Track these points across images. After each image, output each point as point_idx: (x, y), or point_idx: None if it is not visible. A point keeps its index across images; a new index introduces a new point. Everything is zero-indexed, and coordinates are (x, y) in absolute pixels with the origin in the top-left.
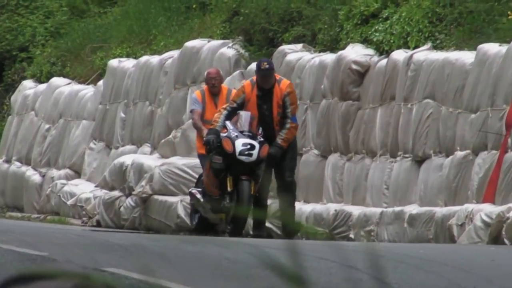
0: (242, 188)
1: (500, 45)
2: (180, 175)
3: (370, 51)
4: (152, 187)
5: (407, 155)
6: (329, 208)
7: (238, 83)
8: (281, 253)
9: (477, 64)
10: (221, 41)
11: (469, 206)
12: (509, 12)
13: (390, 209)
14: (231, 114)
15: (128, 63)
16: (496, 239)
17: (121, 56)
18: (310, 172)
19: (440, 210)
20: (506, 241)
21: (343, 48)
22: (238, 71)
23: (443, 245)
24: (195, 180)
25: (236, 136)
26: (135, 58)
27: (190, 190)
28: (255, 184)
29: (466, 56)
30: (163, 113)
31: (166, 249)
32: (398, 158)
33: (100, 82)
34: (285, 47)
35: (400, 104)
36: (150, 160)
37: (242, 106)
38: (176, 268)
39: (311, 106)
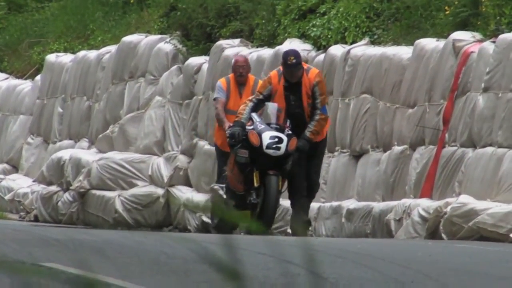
0: (269, 184)
1: (437, 40)
2: (117, 169)
3: (308, 46)
4: (90, 182)
5: (344, 150)
6: None
7: (175, 78)
8: (219, 248)
9: (415, 59)
10: (158, 36)
11: (407, 201)
12: (446, 7)
13: (328, 204)
14: (257, 106)
15: (66, 58)
16: (433, 234)
17: (59, 51)
18: None
19: (377, 205)
20: (443, 235)
21: (281, 43)
22: (175, 66)
23: (380, 240)
24: (132, 175)
25: (263, 128)
26: (73, 53)
27: (212, 186)
28: (283, 179)
29: (404, 51)
30: (101, 108)
31: (104, 244)
32: (335, 153)
33: (38, 77)
34: (222, 42)
35: (337, 99)
36: (87, 155)
37: (269, 98)
38: (114, 263)
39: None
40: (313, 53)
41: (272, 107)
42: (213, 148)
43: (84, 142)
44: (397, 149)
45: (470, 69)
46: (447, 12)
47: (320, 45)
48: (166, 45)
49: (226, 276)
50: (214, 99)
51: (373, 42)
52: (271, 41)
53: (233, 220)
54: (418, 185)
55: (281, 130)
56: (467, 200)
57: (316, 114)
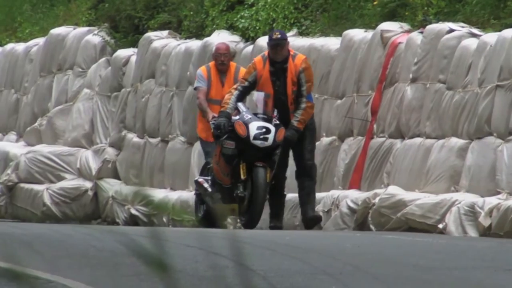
0: (257, 176)
1: (365, 31)
2: (46, 163)
3: (236, 38)
4: (18, 175)
5: None
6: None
7: (104, 71)
8: (147, 241)
9: (343, 50)
10: (86, 28)
11: (335, 193)
12: None
13: None
14: (243, 94)
15: None
16: (362, 225)
17: None
18: (176, 159)
19: None
20: (371, 227)
21: (209, 35)
22: (104, 58)
23: (309, 231)
24: (61, 168)
25: (250, 118)
26: (0, 45)
27: (196, 178)
28: (271, 171)
29: (332, 42)
30: (29, 101)
31: (33, 238)
32: None
33: None
34: (150, 34)
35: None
36: (15, 148)
37: (254, 84)
38: (42, 256)
39: (177, 93)
40: (242, 45)
41: (258, 95)
42: (141, 141)
43: (12, 135)
44: (325, 140)
45: (398, 59)
46: (375, 3)
47: (249, 37)
48: (94, 37)
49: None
50: (195, 89)
51: (301, 33)
52: (199, 32)
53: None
54: (346, 177)
55: (268, 120)
56: (395, 191)
57: (302, 102)
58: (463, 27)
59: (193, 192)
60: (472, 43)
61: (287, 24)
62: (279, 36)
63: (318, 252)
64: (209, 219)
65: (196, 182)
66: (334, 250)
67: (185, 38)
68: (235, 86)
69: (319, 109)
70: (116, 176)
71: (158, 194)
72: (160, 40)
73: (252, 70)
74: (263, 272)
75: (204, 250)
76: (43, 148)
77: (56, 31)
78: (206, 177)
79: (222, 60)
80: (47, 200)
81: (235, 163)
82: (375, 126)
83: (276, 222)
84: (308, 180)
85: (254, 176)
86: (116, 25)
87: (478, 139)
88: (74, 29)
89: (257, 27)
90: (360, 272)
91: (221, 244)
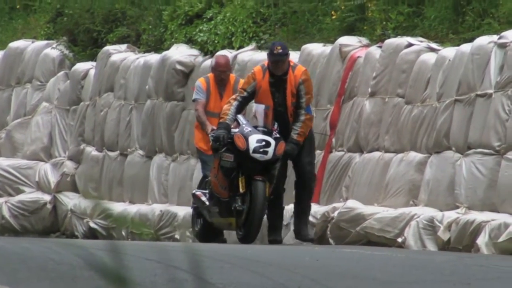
0: (256, 190)
1: (324, 45)
2: (4, 176)
3: (195, 52)
4: None
5: None
6: (155, 208)
7: (62, 84)
8: (106, 254)
9: (302, 64)
10: (45, 42)
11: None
12: (332, 12)
13: None
14: (242, 105)
15: None
16: (321, 239)
17: None
18: (135, 172)
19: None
20: (330, 240)
21: (168, 49)
22: (62, 72)
23: (268, 245)
24: (19, 181)
25: (250, 131)
26: None
27: (193, 192)
28: (270, 185)
29: (290, 57)
30: None
31: None
32: None
33: None
34: (109, 48)
35: None
36: None
37: (253, 95)
38: (1, 269)
39: (136, 107)
40: (200, 58)
41: (259, 108)
42: (100, 154)
43: None
44: None
45: (357, 74)
46: (333, 17)
47: (207, 50)
48: (53, 50)
49: (113, 282)
50: (194, 100)
51: (260, 47)
52: (158, 46)
53: (117, 223)
54: None
55: (268, 133)
56: (354, 205)
57: (301, 115)
58: (421, 41)
59: (190, 206)
60: (430, 57)
61: (246, 38)
62: (280, 51)
63: (277, 265)
64: (206, 233)
65: (194, 195)
66: (293, 264)
67: (144, 52)
68: (234, 97)
69: None
70: (75, 189)
71: (117, 207)
72: (119, 53)
73: (251, 81)
74: (222, 285)
75: (163, 264)
76: (2, 161)
77: (15, 44)
78: (204, 191)
79: (222, 77)
80: (5, 213)
81: (233, 176)
82: (333, 140)
83: (275, 235)
84: (305, 193)
85: (253, 190)
86: (75, 39)
87: (436, 153)
88: (33, 42)
89: (216, 41)
90: (318, 286)
91: (180, 257)
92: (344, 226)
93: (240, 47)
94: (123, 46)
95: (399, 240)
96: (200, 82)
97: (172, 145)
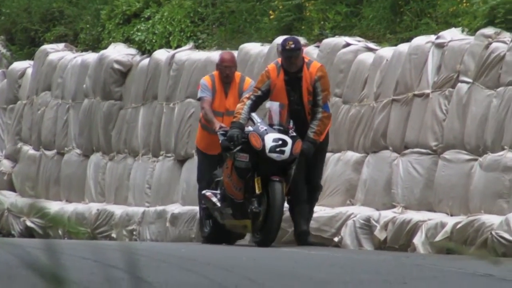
0: (274, 191)
1: (262, 45)
2: None
3: (132, 51)
4: None
5: (169, 155)
6: (91, 207)
7: None
8: (43, 253)
9: (239, 64)
10: None
11: None
12: (270, 12)
13: (152, 209)
14: (256, 104)
15: None
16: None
17: None
18: (72, 171)
19: None
20: None
21: (105, 48)
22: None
23: (205, 244)
24: None
25: (265, 130)
26: None
27: (203, 192)
28: (287, 185)
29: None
30: None
31: None
32: (160, 158)
33: None
34: (47, 47)
35: (162, 103)
36: None
37: (268, 93)
38: None
39: (73, 106)
40: (138, 58)
41: (273, 106)
42: (37, 153)
43: None
44: None
45: None
46: (271, 17)
47: (145, 50)
48: None
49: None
50: (199, 99)
51: (197, 47)
52: (96, 45)
53: (54, 222)
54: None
55: (284, 131)
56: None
57: (318, 113)
58: (359, 41)
59: (198, 207)
60: (368, 57)
61: (184, 38)
62: (292, 46)
63: (214, 265)
64: (216, 235)
65: (203, 196)
66: (230, 263)
67: (82, 51)
68: (247, 95)
69: None
70: (11, 188)
71: (54, 206)
72: (56, 52)
73: (266, 79)
74: (159, 284)
75: (99, 263)
76: None
77: None
78: (215, 191)
79: (227, 73)
80: None
81: (248, 177)
82: None
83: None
84: (312, 200)
85: (271, 191)
86: (12, 38)
87: (374, 153)
88: None
89: (154, 40)
90: (255, 285)
91: (117, 256)
92: (282, 225)
93: (178, 46)
94: (61, 45)
95: (336, 239)
96: (205, 80)
97: (109, 144)
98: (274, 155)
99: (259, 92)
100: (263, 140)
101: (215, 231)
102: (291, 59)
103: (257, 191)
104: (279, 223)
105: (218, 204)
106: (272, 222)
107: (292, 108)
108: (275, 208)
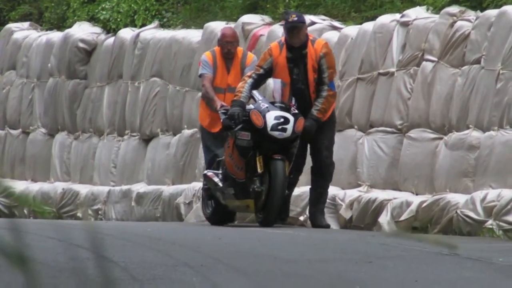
0: (276, 169)
1: (227, 24)
2: None
3: (97, 30)
4: None
5: (134, 134)
6: (57, 186)
7: None
8: (7, 233)
9: (204, 43)
10: None
11: (197, 185)
12: None
13: (117, 188)
14: (258, 83)
15: None
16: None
17: None
18: (37, 151)
19: (167, 189)
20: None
21: (70, 27)
22: None
23: (170, 223)
24: None
25: (267, 108)
26: None
27: (204, 172)
28: (289, 164)
29: (193, 35)
30: None
31: None
32: (125, 137)
33: None
34: (11, 26)
35: (127, 82)
36: None
37: (270, 72)
38: None
39: (38, 85)
40: (103, 36)
41: (275, 83)
42: (2, 132)
43: None
44: (186, 132)
45: (259, 52)
46: None
47: (110, 29)
48: None
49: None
50: (200, 76)
51: (162, 26)
52: (60, 24)
53: (19, 201)
54: None
55: (286, 109)
56: None
57: (324, 90)
58: (324, 20)
59: (200, 187)
60: (333, 36)
61: (149, 16)
62: (295, 18)
63: (179, 244)
64: (218, 215)
65: (205, 176)
66: (195, 243)
67: (46, 30)
68: (248, 74)
69: (181, 101)
70: None
71: (19, 185)
72: (21, 31)
73: (268, 57)
74: (124, 263)
75: (65, 242)
76: None
77: None
78: (216, 171)
79: (229, 49)
80: None
81: (250, 156)
82: None
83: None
84: (322, 180)
85: (272, 170)
86: None
87: (339, 131)
88: None
89: (118, 19)
90: (221, 265)
91: (82, 235)
92: None
93: (143, 25)
94: (26, 24)
95: (301, 218)
96: (206, 56)
97: (74, 123)
98: (276, 133)
99: (261, 70)
100: (264, 117)
101: (218, 211)
102: (294, 31)
103: (259, 170)
104: (280, 201)
105: (220, 184)
106: (274, 200)
107: (295, 87)
108: (277, 186)
